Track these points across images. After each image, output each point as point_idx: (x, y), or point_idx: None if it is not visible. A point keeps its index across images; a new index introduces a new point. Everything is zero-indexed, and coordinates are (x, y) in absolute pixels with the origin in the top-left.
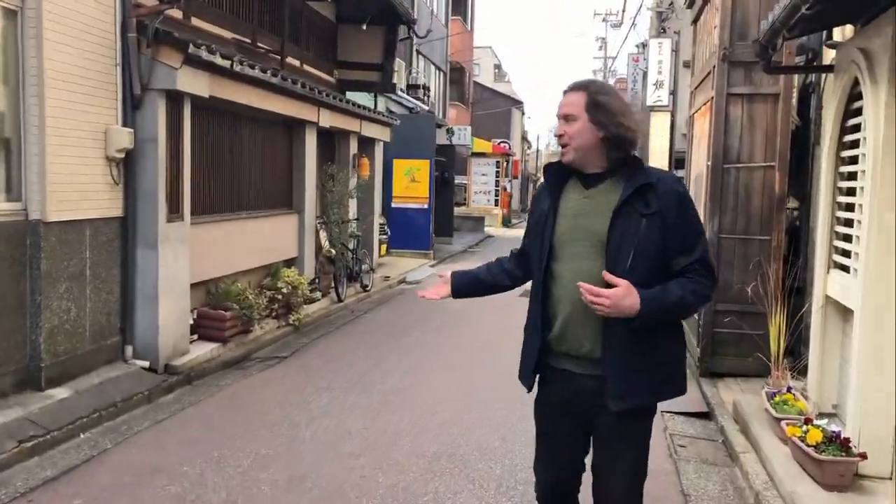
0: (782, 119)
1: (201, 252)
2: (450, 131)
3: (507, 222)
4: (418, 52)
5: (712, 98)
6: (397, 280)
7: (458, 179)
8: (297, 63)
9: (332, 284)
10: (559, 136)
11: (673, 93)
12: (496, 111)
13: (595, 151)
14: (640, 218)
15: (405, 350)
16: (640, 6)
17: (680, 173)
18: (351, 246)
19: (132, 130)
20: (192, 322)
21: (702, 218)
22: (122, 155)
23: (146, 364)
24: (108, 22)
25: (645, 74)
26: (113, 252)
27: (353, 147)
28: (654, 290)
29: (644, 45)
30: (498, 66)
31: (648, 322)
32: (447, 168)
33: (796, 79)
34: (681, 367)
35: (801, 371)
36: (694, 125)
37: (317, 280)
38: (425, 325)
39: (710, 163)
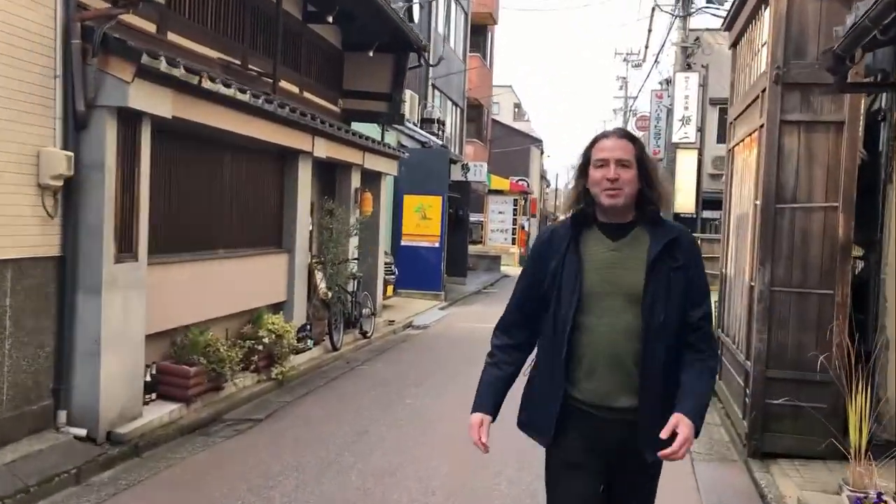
0: (848, 151)
1: (164, 296)
2: (465, 167)
3: (524, 261)
4: (434, 87)
5: (761, 127)
6: (403, 324)
7: (474, 217)
8: (295, 89)
9: (327, 331)
10: (613, 180)
11: (700, 129)
12: (515, 149)
13: (632, 202)
14: (669, 272)
15: (398, 417)
16: (665, 42)
17: (711, 215)
18: (350, 288)
19: (72, 154)
20: (148, 379)
21: (750, 266)
22: (60, 183)
23: (83, 433)
24: (47, 26)
25: (669, 111)
26: (44, 298)
27: (356, 181)
28: (689, 400)
29: (668, 82)
30: (518, 105)
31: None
32: (462, 205)
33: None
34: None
35: (877, 451)
36: (734, 160)
37: (308, 327)
38: (426, 381)
39: (758, 202)
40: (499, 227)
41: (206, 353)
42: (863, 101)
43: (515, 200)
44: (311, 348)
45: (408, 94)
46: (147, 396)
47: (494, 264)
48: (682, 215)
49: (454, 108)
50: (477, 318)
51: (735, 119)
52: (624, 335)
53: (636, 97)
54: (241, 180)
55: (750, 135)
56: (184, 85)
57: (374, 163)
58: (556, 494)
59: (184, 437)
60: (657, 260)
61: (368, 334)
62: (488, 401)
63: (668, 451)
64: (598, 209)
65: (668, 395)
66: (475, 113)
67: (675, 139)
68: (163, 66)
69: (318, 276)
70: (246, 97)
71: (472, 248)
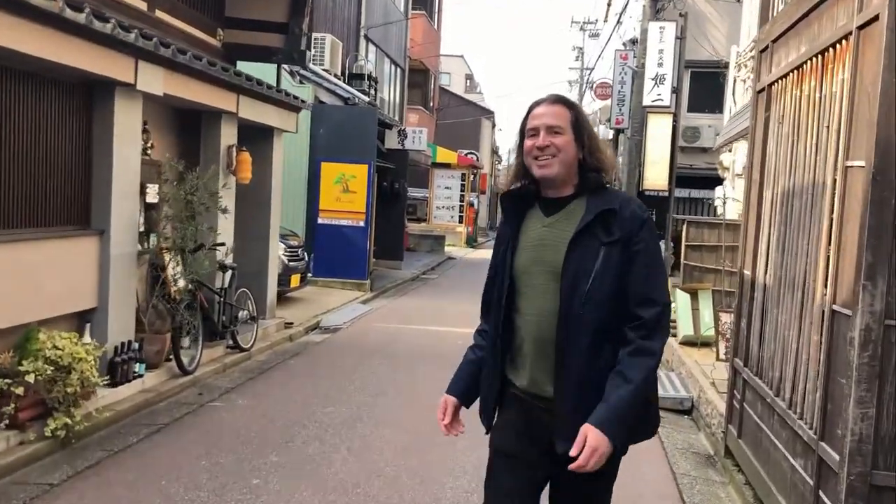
0: None
1: None
2: (402, 133)
3: (471, 242)
4: (367, 39)
5: (862, 28)
6: (306, 326)
7: (417, 192)
8: (140, 5)
9: (171, 347)
10: (543, 148)
11: (676, 90)
12: (464, 120)
13: (571, 172)
14: (600, 247)
15: None
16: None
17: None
18: (218, 284)
19: None
20: None
21: (828, 278)
22: None
23: None
24: None
25: (635, 74)
26: None
27: (228, 136)
28: (601, 410)
29: (634, 42)
30: (470, 77)
31: (629, 437)
32: (398, 177)
33: None
34: (647, 411)
35: None
36: (777, 100)
37: (137, 344)
38: (298, 437)
39: (857, 164)
40: (445, 204)
41: None
42: None
43: (463, 175)
44: (142, 375)
45: (327, 38)
46: None
47: (438, 245)
48: (650, 193)
49: (393, 67)
50: (406, 315)
51: (776, 40)
52: (548, 318)
53: (593, 68)
54: (12, 122)
55: (818, 55)
56: None
57: (257, 112)
58: (487, 486)
59: None
60: (583, 233)
61: (248, 346)
62: (456, 385)
63: (574, 464)
64: (540, 184)
65: (595, 386)
66: (420, 78)
67: (645, 101)
68: None
69: (172, 268)
70: None
71: (415, 227)
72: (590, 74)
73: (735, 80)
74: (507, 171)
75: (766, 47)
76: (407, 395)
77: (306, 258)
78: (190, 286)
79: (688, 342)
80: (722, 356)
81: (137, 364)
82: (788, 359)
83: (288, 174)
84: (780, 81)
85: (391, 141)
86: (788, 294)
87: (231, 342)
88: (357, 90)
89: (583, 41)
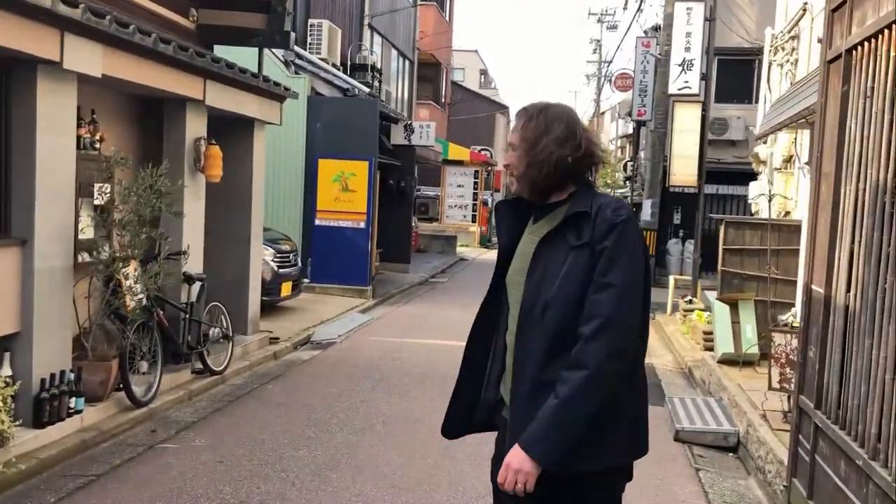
0: None
1: None
2: (408, 128)
3: (485, 242)
4: (372, 28)
5: None
6: (295, 341)
7: (429, 191)
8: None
9: (119, 376)
10: (507, 166)
11: (705, 77)
12: (478, 116)
13: (545, 183)
14: (568, 251)
15: None
16: None
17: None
18: (184, 299)
19: None
20: None
21: None
22: None
23: None
24: None
25: (658, 62)
26: None
27: (195, 126)
28: (531, 425)
29: (656, 29)
30: (484, 72)
31: (561, 458)
32: (405, 174)
33: None
34: (597, 433)
35: None
36: (850, 72)
37: (75, 373)
38: (275, 485)
39: None
40: (457, 203)
41: None
42: None
43: (476, 172)
44: (80, 411)
45: (325, 24)
46: None
47: (450, 246)
48: (676, 189)
49: (401, 59)
50: (408, 325)
51: None
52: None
53: (611, 61)
54: None
55: None
56: None
57: (231, 100)
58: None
59: None
60: (553, 236)
61: (222, 368)
62: (453, 417)
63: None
64: None
65: (541, 400)
66: (431, 72)
67: (671, 89)
68: None
69: (128, 281)
70: None
71: (426, 227)
72: (608, 67)
73: (770, 66)
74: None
75: (842, 3)
76: (399, 432)
77: (299, 264)
78: (144, 302)
79: (727, 360)
80: (775, 384)
81: (74, 398)
82: (875, 394)
83: (282, 173)
84: (865, 44)
85: (397, 136)
86: (893, 324)
87: (200, 365)
88: (360, 82)
89: (600, 33)
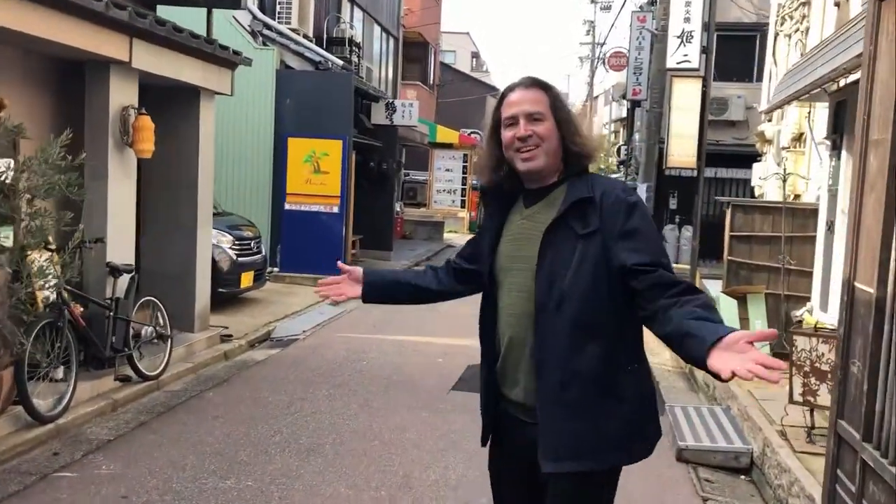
0: None
1: None
2: (390, 106)
3: (474, 227)
4: (351, 0)
5: None
6: (251, 339)
7: (417, 175)
8: None
9: (14, 388)
10: (525, 138)
11: (706, 50)
12: (468, 99)
13: (556, 160)
14: (577, 239)
15: None
16: None
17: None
18: (109, 294)
19: None
20: None
21: None
22: None
23: None
24: None
25: (654, 37)
26: None
27: (120, 94)
28: (703, 328)
29: (652, 3)
30: (476, 55)
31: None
32: (386, 156)
33: None
34: (643, 420)
35: None
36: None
37: None
38: None
39: None
40: (446, 188)
41: None
42: None
43: (466, 156)
44: None
45: None
46: None
47: (437, 232)
48: (673, 172)
49: (385, 36)
50: (381, 319)
51: None
52: (523, 317)
53: (604, 42)
54: None
55: None
56: None
57: (167, 65)
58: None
59: None
60: (559, 224)
61: (154, 373)
62: (374, 275)
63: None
64: (522, 177)
65: (577, 395)
66: (419, 52)
67: (669, 63)
68: None
69: (39, 271)
70: None
71: (413, 213)
72: (601, 49)
73: (776, 37)
74: (475, 166)
75: None
76: (351, 453)
77: (264, 252)
78: (52, 298)
79: None
80: (797, 397)
81: None
82: None
83: (247, 153)
84: None
85: (378, 116)
86: None
87: (129, 370)
88: (337, 57)
89: (594, 14)
